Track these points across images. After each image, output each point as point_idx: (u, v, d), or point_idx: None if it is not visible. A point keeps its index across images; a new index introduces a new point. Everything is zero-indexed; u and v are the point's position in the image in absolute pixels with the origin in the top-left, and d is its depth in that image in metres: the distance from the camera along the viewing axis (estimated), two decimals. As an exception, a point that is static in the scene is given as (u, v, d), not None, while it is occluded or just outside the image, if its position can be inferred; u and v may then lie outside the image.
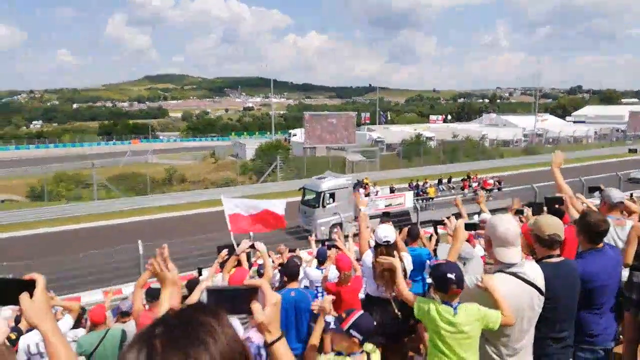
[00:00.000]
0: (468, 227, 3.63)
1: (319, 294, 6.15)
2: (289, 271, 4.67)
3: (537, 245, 3.10)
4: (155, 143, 77.75)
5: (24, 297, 1.31)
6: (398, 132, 54.64)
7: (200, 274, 9.85)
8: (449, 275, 2.74)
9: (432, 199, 24.21)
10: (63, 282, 10.71)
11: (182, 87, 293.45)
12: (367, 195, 21.12)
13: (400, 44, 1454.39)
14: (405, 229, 6.10)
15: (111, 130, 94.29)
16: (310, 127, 40.56)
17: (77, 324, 5.54)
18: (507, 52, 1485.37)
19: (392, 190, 23.44)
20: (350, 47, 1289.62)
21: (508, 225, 2.79)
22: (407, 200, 21.08)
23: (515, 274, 2.77)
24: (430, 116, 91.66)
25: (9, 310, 7.54)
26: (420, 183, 25.88)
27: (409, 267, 4.37)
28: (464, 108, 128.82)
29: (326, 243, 8.09)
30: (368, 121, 70.57)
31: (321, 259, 6.24)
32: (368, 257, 4.16)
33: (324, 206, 19.17)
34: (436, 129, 59.70)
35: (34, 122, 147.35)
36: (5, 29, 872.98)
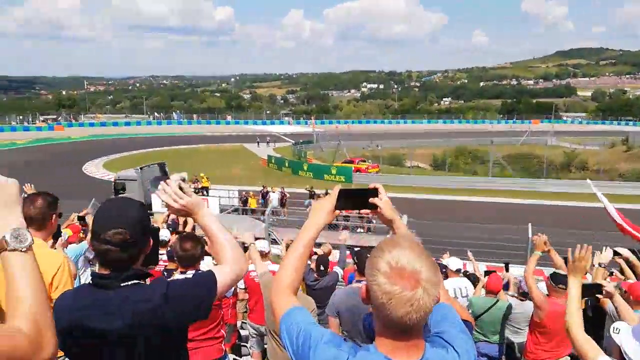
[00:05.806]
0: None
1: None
2: None
3: None
4: (557, 124, 73.66)
5: (375, 199, 1.59)
6: None
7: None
8: None
9: (253, 211, 18.21)
10: (447, 245, 11.53)
11: (596, 62, 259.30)
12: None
13: None
14: None
15: (513, 109, 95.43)
16: None
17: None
18: None
19: None
20: None
21: None
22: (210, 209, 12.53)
23: None
24: None
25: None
26: (273, 189, 20.32)
27: None
28: None
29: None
30: None
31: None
32: None
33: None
34: None
35: (444, 99, 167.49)
36: (431, 13, 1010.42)
